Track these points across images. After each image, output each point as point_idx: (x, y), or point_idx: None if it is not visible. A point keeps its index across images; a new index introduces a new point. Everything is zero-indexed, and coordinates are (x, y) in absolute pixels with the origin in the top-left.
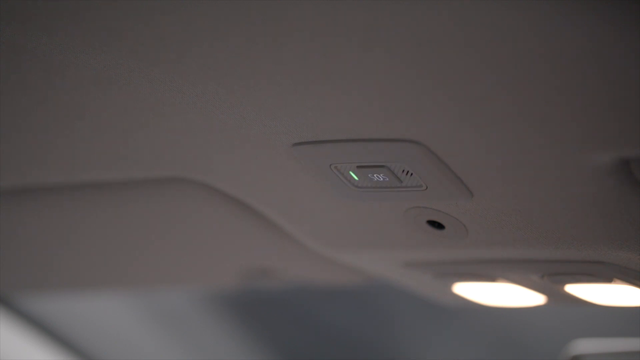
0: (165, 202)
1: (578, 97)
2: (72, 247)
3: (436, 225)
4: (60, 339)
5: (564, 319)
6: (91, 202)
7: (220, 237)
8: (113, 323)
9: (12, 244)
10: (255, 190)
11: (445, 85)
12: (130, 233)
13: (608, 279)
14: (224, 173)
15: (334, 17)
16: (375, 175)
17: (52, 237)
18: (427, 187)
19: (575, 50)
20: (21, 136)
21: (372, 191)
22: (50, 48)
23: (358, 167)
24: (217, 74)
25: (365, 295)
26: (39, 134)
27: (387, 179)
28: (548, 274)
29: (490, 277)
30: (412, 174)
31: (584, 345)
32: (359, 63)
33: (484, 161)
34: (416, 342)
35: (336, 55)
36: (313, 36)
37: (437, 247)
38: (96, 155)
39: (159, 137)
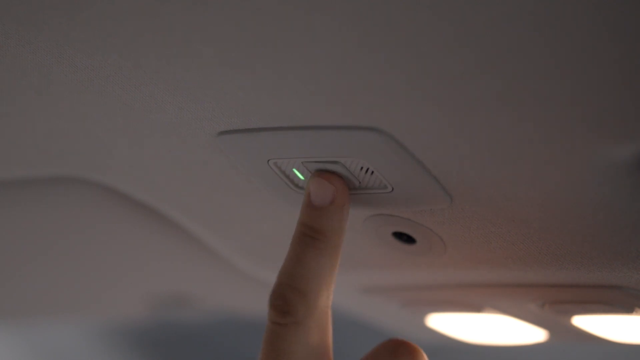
0: (51, 209)
1: (585, 73)
2: None
3: (405, 238)
4: None
5: None
6: None
7: (123, 255)
8: None
9: None
10: (169, 193)
11: (414, 55)
12: (4, 248)
13: (628, 309)
14: (128, 171)
15: None
16: None
17: None
18: (392, 189)
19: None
20: None
21: None
22: None
23: (304, 163)
24: (120, 41)
25: None
26: None
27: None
28: (550, 302)
29: (475, 307)
30: (373, 172)
31: None
32: (303, 27)
33: (467, 155)
34: None
35: (273, 18)
36: None
37: (405, 268)
38: None
39: (43, 124)
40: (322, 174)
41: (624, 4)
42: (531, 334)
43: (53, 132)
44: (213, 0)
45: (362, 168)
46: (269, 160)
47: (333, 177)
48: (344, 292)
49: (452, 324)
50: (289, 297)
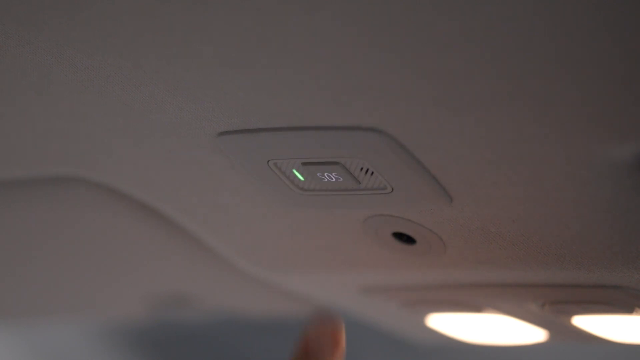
0: (51, 209)
1: (586, 73)
2: None
3: (405, 238)
4: None
5: None
6: None
7: (123, 255)
8: None
9: None
10: (169, 193)
11: (414, 55)
12: (4, 248)
13: (628, 309)
14: (128, 171)
15: None
16: (326, 174)
17: None
18: (392, 190)
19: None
20: None
21: (322, 195)
22: None
23: (304, 164)
24: (120, 41)
25: None
26: None
27: (342, 179)
28: (550, 302)
29: (475, 307)
30: (373, 173)
31: None
32: (303, 27)
33: (467, 155)
34: None
35: (274, 18)
36: None
37: (405, 268)
38: None
39: (43, 124)
40: (319, 319)
41: (624, 4)
42: (531, 334)
43: (53, 132)
44: (213, 0)
45: (362, 168)
46: (268, 161)
47: (330, 321)
48: (344, 292)
49: (452, 324)
50: None
